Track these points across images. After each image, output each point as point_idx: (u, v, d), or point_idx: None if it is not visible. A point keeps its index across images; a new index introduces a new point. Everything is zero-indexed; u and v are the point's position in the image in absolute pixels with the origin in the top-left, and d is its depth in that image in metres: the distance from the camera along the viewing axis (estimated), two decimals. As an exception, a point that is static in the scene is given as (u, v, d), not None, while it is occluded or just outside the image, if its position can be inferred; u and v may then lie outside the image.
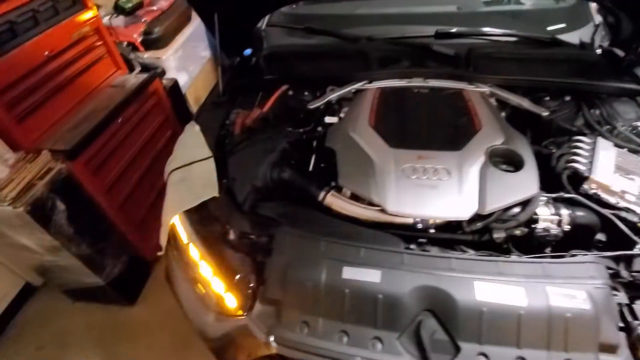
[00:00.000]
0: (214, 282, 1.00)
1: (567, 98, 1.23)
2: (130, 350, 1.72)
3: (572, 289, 0.81)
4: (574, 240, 0.96)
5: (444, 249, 0.97)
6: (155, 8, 2.11)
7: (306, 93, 1.41)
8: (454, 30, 1.48)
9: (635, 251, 0.87)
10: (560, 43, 1.43)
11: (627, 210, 0.95)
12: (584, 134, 1.12)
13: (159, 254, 1.23)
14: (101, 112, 1.52)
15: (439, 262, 0.87)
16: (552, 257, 0.89)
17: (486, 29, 1.47)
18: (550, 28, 1.52)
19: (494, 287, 0.82)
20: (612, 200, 0.97)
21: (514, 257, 0.89)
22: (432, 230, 0.97)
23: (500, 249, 0.95)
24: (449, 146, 1.07)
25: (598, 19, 1.53)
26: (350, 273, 0.88)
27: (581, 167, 1.02)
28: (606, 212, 0.94)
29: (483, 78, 1.29)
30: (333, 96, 1.34)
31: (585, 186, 1.00)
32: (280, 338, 0.88)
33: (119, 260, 1.62)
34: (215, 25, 1.38)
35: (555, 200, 0.98)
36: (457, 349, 0.80)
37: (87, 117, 1.50)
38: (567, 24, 1.52)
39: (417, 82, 1.35)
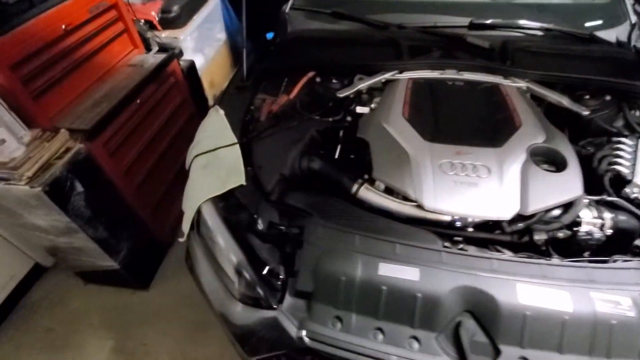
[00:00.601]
0: (243, 272, 0.97)
1: (608, 97, 1.18)
2: (142, 335, 1.70)
3: (617, 295, 0.79)
4: (613, 244, 0.93)
5: (480, 248, 0.94)
6: None
7: (334, 81, 1.35)
8: (488, 21, 1.43)
9: (681, 259, 0.84)
10: (597, 40, 1.39)
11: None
12: (624, 136, 1.08)
13: (180, 240, 1.20)
14: (120, 92, 1.46)
15: (480, 263, 0.85)
16: (595, 261, 0.87)
17: (522, 22, 1.42)
18: (587, 24, 1.46)
19: (538, 291, 0.79)
20: (650, 202, 0.95)
21: (556, 261, 0.86)
22: (470, 229, 0.94)
23: (539, 251, 0.92)
24: (488, 142, 1.03)
25: (634, 18, 1.48)
26: (387, 270, 0.86)
27: (624, 170, 0.99)
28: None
29: (520, 72, 1.24)
30: (363, 85, 1.29)
31: (627, 190, 0.97)
32: (312, 332, 0.86)
33: (135, 244, 1.59)
34: (243, 4, 1.32)
35: (598, 203, 0.95)
36: (497, 352, 0.78)
37: (105, 96, 1.44)
38: (604, 21, 1.47)
39: (450, 74, 1.30)
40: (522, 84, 1.24)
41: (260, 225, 1.00)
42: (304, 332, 0.86)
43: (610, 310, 0.77)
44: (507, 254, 0.90)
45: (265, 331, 0.92)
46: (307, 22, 1.65)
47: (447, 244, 0.92)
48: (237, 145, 1.16)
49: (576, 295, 0.79)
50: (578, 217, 0.91)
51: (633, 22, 1.43)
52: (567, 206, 0.92)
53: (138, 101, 1.54)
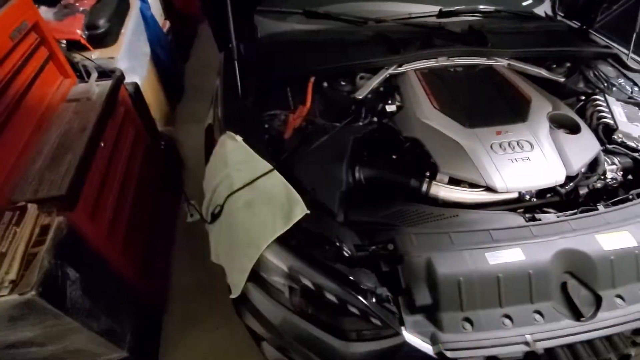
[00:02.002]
0: (350, 308, 0.88)
1: (568, 64, 1.42)
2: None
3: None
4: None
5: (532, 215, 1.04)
6: None
7: (343, 83, 1.30)
8: (454, 9, 1.54)
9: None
10: (537, 17, 1.64)
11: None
12: (594, 94, 1.32)
13: (233, 297, 1.02)
14: (79, 138, 1.11)
15: (560, 227, 0.94)
16: (622, 201, 1.05)
17: (481, 7, 1.58)
18: (524, 3, 1.71)
19: (613, 236, 0.93)
20: (632, 144, 1.19)
21: (604, 209, 1.00)
22: (534, 200, 1.03)
23: (579, 204, 1.06)
24: (516, 118, 1.13)
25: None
26: (494, 258, 0.88)
27: (610, 122, 1.21)
28: (637, 155, 1.14)
29: (501, 52, 1.39)
30: (375, 84, 1.27)
31: (615, 137, 1.19)
32: (449, 343, 0.83)
33: (136, 320, 1.28)
34: (229, 11, 1.14)
35: (604, 152, 1.14)
36: (599, 298, 0.89)
37: (62, 146, 1.08)
38: (532, 1, 1.73)
39: (442, 62, 1.37)
40: (504, 62, 1.39)
41: (347, 252, 0.92)
42: (441, 346, 0.83)
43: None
44: (567, 213, 1.01)
45: (396, 358, 0.86)
46: (277, 24, 1.53)
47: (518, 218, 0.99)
48: (275, 172, 1.03)
49: (635, 231, 0.94)
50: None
51: (553, -3, 1.73)
52: (594, 160, 1.08)
53: (102, 144, 1.21)
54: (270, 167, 1.04)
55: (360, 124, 1.18)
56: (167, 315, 1.68)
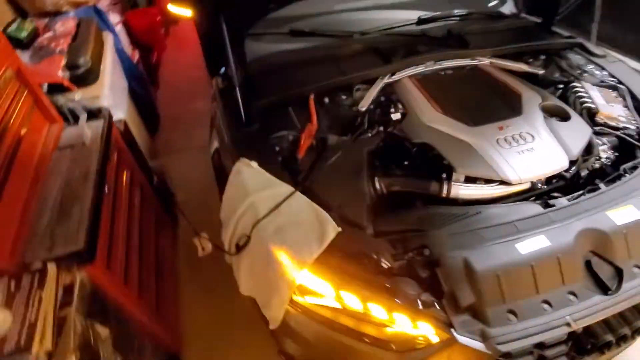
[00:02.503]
0: (396, 318, 0.89)
1: (543, 57, 1.53)
2: None
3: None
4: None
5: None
6: (57, 33, 1.51)
7: (344, 97, 1.32)
8: (432, 15, 1.63)
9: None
10: (505, 16, 1.76)
11: (626, 128, 1.29)
12: (572, 82, 1.42)
13: (272, 328, 1.00)
14: (83, 187, 1.05)
15: (574, 209, 1.00)
16: (617, 178, 1.13)
17: (456, 11, 1.67)
18: (491, 4, 1.83)
19: (621, 211, 1.00)
20: (614, 124, 1.29)
21: (606, 187, 1.08)
22: (544, 187, 1.10)
23: (582, 186, 1.14)
24: (511, 113, 1.20)
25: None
26: (524, 248, 0.93)
27: (592, 105, 1.31)
28: (619, 133, 1.25)
29: (482, 52, 1.47)
30: (374, 94, 1.30)
31: (597, 119, 1.29)
32: (499, 338, 0.86)
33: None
34: (226, 40, 1.13)
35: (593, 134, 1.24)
36: (620, 271, 0.95)
37: (67, 198, 1.01)
38: (498, 1, 1.86)
39: (430, 66, 1.43)
40: (487, 60, 1.48)
41: (386, 263, 0.93)
42: (493, 342, 0.85)
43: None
44: (575, 196, 1.08)
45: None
46: (264, 46, 1.53)
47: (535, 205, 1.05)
48: (298, 193, 1.02)
49: (637, 204, 1.02)
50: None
51: (513, -2, 1.86)
52: (589, 143, 1.17)
53: (106, 190, 1.15)
54: (292, 189, 1.03)
55: (369, 135, 1.20)
56: (185, 357, 1.60)
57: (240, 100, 1.21)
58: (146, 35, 3.33)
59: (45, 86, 1.30)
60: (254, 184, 1.05)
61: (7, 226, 0.91)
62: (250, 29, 1.43)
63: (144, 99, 2.48)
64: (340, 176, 1.09)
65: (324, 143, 1.16)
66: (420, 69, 1.41)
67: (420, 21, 1.61)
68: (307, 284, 0.94)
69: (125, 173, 1.43)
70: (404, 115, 1.24)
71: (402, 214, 1.02)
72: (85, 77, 1.45)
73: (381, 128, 1.24)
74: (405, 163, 1.18)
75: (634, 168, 1.14)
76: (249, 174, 1.08)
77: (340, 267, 0.93)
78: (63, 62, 1.41)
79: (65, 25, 1.61)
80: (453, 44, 1.53)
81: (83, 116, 1.30)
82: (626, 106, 1.35)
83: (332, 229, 0.94)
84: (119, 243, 1.18)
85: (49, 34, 1.54)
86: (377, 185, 1.08)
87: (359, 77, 1.34)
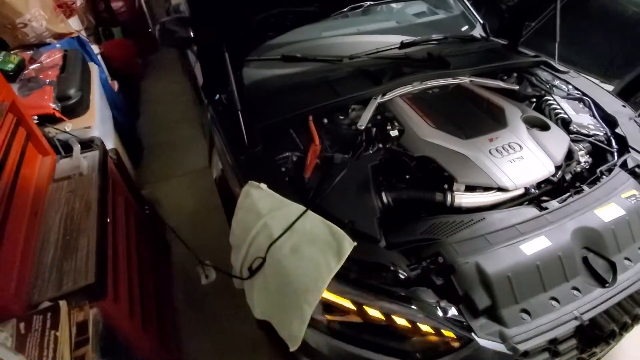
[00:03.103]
0: (419, 324, 0.90)
1: (515, 74, 1.68)
2: None
3: (630, 190, 1.17)
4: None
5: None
6: (44, 65, 1.46)
7: (341, 117, 1.38)
8: (413, 40, 1.75)
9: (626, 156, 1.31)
10: (477, 39, 1.92)
11: (596, 134, 1.42)
12: (544, 96, 1.56)
13: (292, 350, 0.98)
14: (86, 219, 1.01)
15: (566, 210, 1.09)
16: (596, 179, 1.24)
17: (434, 36, 1.80)
18: (462, 29, 1.99)
19: (606, 209, 1.10)
20: (586, 132, 1.43)
21: (589, 188, 1.18)
22: (536, 192, 1.18)
23: (567, 189, 1.23)
24: (498, 125, 1.30)
25: (481, 20, 2.10)
26: (528, 248, 0.99)
27: (565, 116, 1.45)
28: (591, 139, 1.38)
29: (462, 72, 1.59)
30: (371, 113, 1.37)
31: (571, 127, 1.42)
32: (516, 337, 0.90)
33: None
34: (227, 65, 1.16)
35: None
36: (613, 264, 1.03)
37: (70, 231, 0.97)
38: (468, 26, 2.03)
39: (417, 86, 1.53)
40: (467, 79, 1.60)
41: (403, 274, 0.95)
42: (512, 342, 0.89)
43: (635, 201, 1.14)
44: (563, 198, 1.17)
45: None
46: (258, 72, 1.58)
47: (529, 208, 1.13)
48: (310, 212, 1.04)
49: (618, 201, 1.13)
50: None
51: (482, 22, 2.04)
52: (569, 150, 1.28)
53: (109, 220, 1.11)
54: (303, 208, 1.05)
55: (370, 152, 1.25)
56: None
57: (242, 123, 1.23)
58: (124, 65, 3.32)
59: (35, 118, 1.26)
60: (265, 206, 1.06)
61: (8, 265, 0.86)
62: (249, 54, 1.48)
63: (127, 128, 2.43)
64: (348, 192, 1.12)
65: (329, 162, 1.19)
66: (409, 88, 1.51)
67: (403, 45, 1.72)
68: (329, 300, 0.94)
69: (120, 202, 1.39)
70: (401, 132, 1.30)
71: (410, 225, 1.06)
72: (76, 108, 1.42)
73: (380, 145, 1.29)
74: (407, 177, 1.23)
75: (609, 170, 1.26)
76: (259, 196, 1.08)
77: (359, 280, 0.94)
78: (54, 93, 1.37)
79: (52, 56, 1.58)
80: (435, 65, 1.64)
81: (77, 147, 1.26)
82: (593, 115, 1.50)
83: (349, 244, 0.96)
84: (120, 273, 1.13)
85: (35, 66, 1.50)
86: (385, 199, 1.12)
87: (354, 98, 1.40)
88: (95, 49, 2.44)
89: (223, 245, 1.39)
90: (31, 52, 1.69)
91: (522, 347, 0.88)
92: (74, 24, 2.13)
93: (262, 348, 1.61)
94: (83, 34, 2.23)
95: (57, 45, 1.79)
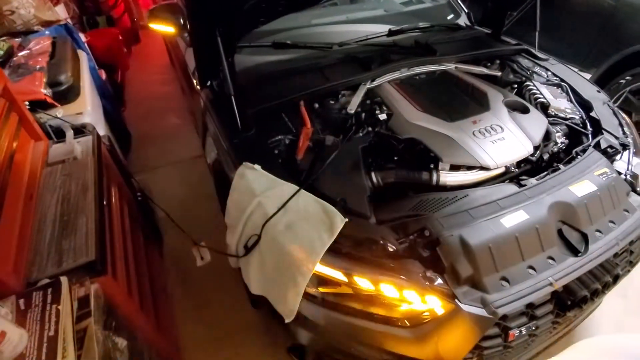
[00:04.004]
0: (406, 295, 0.97)
1: (498, 61, 1.74)
2: None
3: (601, 168, 1.25)
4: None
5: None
6: (33, 51, 1.45)
7: (332, 101, 1.42)
8: (400, 28, 1.79)
9: (599, 137, 1.39)
10: (462, 27, 1.98)
11: (572, 118, 1.50)
12: (524, 81, 1.63)
13: (288, 320, 1.03)
14: (85, 199, 1.02)
15: (543, 186, 1.16)
16: (572, 159, 1.32)
17: (420, 24, 1.85)
18: (448, 18, 2.05)
19: (580, 185, 1.17)
20: (563, 115, 1.51)
21: (564, 167, 1.26)
22: (516, 170, 1.25)
23: (545, 167, 1.31)
24: (481, 109, 1.36)
25: (465, 10, 2.16)
26: (508, 222, 1.05)
27: (544, 100, 1.52)
28: (568, 122, 1.46)
29: (448, 58, 1.65)
30: (360, 98, 1.41)
31: (550, 111, 1.50)
32: (496, 302, 0.96)
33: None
34: (220, 50, 1.18)
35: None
36: (585, 235, 1.11)
37: (67, 212, 0.98)
38: (454, 15, 2.09)
39: (405, 72, 1.58)
40: (453, 66, 1.66)
41: (392, 247, 1.01)
42: (492, 306, 0.95)
43: (606, 178, 1.22)
44: (541, 176, 1.24)
45: (459, 329, 0.96)
46: (249, 58, 1.60)
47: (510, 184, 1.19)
48: (303, 191, 1.09)
49: (591, 178, 1.20)
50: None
51: (467, 12, 2.10)
52: (547, 131, 1.35)
53: (105, 202, 1.13)
54: (296, 187, 1.09)
55: (360, 134, 1.30)
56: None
57: (235, 108, 1.26)
58: (109, 54, 3.27)
59: (27, 104, 1.25)
60: (259, 185, 1.10)
61: (5, 245, 0.87)
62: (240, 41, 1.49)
63: (115, 118, 2.41)
64: (340, 172, 1.16)
65: (321, 144, 1.23)
66: (397, 74, 1.55)
67: (391, 33, 1.76)
68: (322, 273, 0.99)
69: (113, 188, 1.40)
70: (389, 115, 1.35)
71: (398, 202, 1.11)
72: (67, 94, 1.42)
73: (370, 128, 1.34)
74: (395, 158, 1.28)
75: (584, 150, 1.34)
76: (253, 177, 1.12)
77: (351, 254, 1.00)
78: (44, 79, 1.36)
79: (40, 43, 1.56)
80: (422, 52, 1.69)
81: (70, 132, 1.27)
82: (570, 100, 1.57)
83: (340, 220, 1.01)
84: (118, 257, 1.16)
85: (24, 53, 1.48)
86: (374, 179, 1.17)
87: (344, 83, 1.44)
88: (82, 37, 2.40)
89: (214, 230, 1.43)
90: (19, 39, 1.67)
91: (501, 311, 0.95)
92: (61, 12, 2.10)
93: (253, 329, 1.67)
94: (70, 22, 2.19)
95: (46, 33, 1.77)
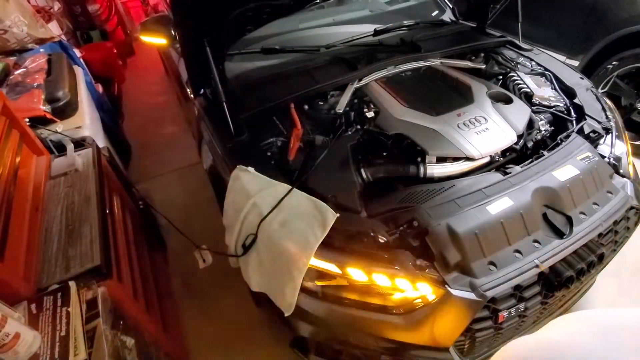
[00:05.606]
0: (398, 283, 1.01)
1: (482, 54, 1.79)
2: None
3: (584, 153, 1.29)
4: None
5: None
6: (29, 69, 1.50)
7: (320, 102, 1.46)
8: (385, 27, 1.84)
9: (583, 123, 1.43)
10: (446, 23, 2.02)
11: (556, 105, 1.55)
12: (508, 72, 1.68)
13: (287, 314, 1.08)
14: (88, 208, 1.08)
15: (527, 173, 1.20)
16: (556, 145, 1.36)
17: (405, 22, 1.90)
18: (433, 14, 2.09)
19: (563, 170, 1.21)
20: (547, 103, 1.55)
21: (548, 153, 1.30)
22: (500, 159, 1.29)
23: (530, 155, 1.35)
24: (465, 102, 1.40)
25: (450, 5, 2.20)
26: (494, 208, 1.10)
27: (528, 90, 1.56)
28: (552, 110, 1.50)
29: (432, 55, 1.69)
30: (348, 97, 1.45)
31: (534, 100, 1.54)
32: (484, 285, 1.01)
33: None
34: (209, 59, 1.23)
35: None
36: (570, 218, 1.15)
37: (72, 221, 1.03)
38: (438, 11, 2.13)
39: (392, 70, 1.62)
40: (438, 61, 1.70)
41: (383, 239, 1.05)
42: (481, 290, 1.00)
43: (589, 162, 1.26)
44: (525, 163, 1.28)
45: (451, 313, 1.00)
46: (239, 65, 1.65)
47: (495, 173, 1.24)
48: (295, 190, 1.13)
49: (574, 163, 1.24)
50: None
51: (451, 7, 2.14)
52: (530, 120, 1.39)
53: (108, 211, 1.18)
54: (289, 187, 1.14)
55: (349, 133, 1.34)
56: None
57: (227, 114, 1.31)
58: (105, 68, 3.33)
59: (27, 120, 1.31)
60: (253, 187, 1.15)
61: (15, 255, 0.93)
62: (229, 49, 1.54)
63: (113, 130, 2.47)
64: (330, 170, 1.21)
65: (311, 144, 1.28)
66: (383, 73, 1.60)
67: (376, 32, 1.81)
68: (317, 267, 1.04)
69: (115, 197, 1.45)
70: (376, 113, 1.40)
71: (388, 196, 1.16)
72: (65, 109, 1.47)
73: (358, 126, 1.39)
74: (384, 153, 1.33)
75: (568, 136, 1.38)
76: (247, 178, 1.17)
77: (344, 247, 1.04)
78: (42, 96, 1.42)
79: (36, 61, 1.62)
80: (408, 49, 1.74)
81: (70, 146, 1.32)
82: (554, 88, 1.62)
83: (332, 215, 1.05)
84: (123, 263, 1.21)
85: (21, 71, 1.54)
86: (364, 175, 1.21)
87: (332, 84, 1.49)
88: (77, 52, 2.47)
89: (215, 234, 1.48)
90: (14, 57, 1.73)
91: (489, 294, 0.99)
92: (54, 29, 2.15)
93: (258, 327, 1.71)
94: (64, 38, 2.25)
95: (41, 50, 1.82)
